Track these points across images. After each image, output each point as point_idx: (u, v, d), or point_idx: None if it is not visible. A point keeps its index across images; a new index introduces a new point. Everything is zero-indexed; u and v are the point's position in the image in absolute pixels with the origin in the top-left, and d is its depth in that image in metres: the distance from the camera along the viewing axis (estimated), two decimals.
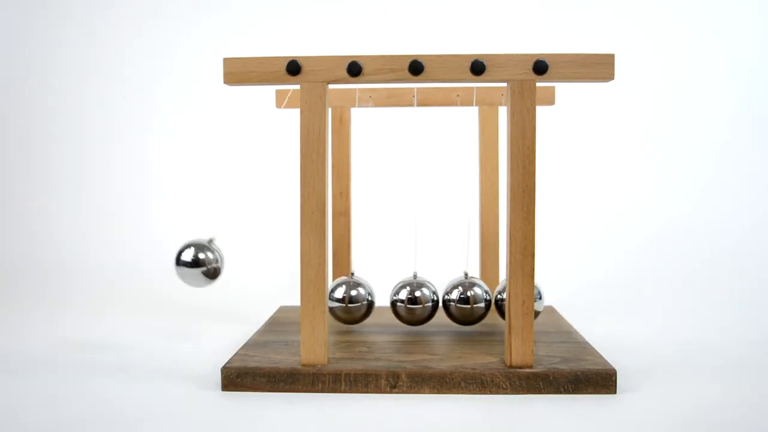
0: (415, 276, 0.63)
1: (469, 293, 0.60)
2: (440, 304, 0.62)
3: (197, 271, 0.59)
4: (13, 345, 0.65)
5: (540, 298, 0.61)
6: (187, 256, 0.59)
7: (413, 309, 0.61)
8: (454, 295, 0.61)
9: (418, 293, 0.61)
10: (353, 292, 0.61)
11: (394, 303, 0.62)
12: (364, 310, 0.61)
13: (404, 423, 0.46)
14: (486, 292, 0.61)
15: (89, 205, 1.08)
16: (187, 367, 0.57)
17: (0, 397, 0.51)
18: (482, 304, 0.60)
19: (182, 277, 0.59)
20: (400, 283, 0.62)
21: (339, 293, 0.61)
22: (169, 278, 0.94)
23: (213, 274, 0.59)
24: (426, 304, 0.61)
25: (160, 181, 1.09)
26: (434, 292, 0.61)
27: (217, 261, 0.60)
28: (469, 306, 0.60)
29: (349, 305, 0.61)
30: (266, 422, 0.46)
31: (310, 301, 0.51)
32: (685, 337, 0.67)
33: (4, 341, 0.67)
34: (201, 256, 0.59)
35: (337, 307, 0.61)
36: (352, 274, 0.63)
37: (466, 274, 0.62)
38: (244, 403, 0.49)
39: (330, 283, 0.67)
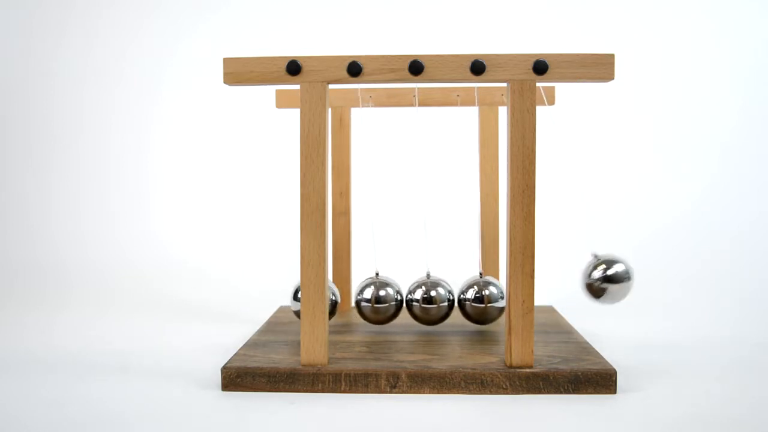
0: (428, 276, 0.62)
1: (484, 292, 0.61)
2: (455, 303, 0.62)
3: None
4: (13, 345, 0.65)
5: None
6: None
7: (428, 309, 0.61)
8: (470, 294, 0.61)
9: (433, 293, 0.61)
10: (381, 293, 0.61)
11: (409, 302, 0.62)
12: (393, 310, 0.61)
13: (404, 423, 0.46)
14: (501, 292, 0.61)
15: (89, 205, 1.08)
16: (187, 367, 0.57)
17: (0, 397, 0.50)
18: (498, 304, 0.61)
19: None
20: (414, 282, 0.62)
21: (367, 294, 0.61)
22: (169, 278, 0.94)
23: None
24: (441, 304, 0.61)
25: (160, 181, 1.09)
26: (450, 291, 0.61)
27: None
28: (483, 305, 0.61)
29: (377, 305, 0.61)
30: (266, 422, 0.46)
31: (310, 301, 0.51)
32: (685, 337, 0.67)
33: (4, 341, 0.67)
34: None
35: (365, 307, 0.61)
36: (377, 274, 0.63)
37: (481, 274, 0.63)
38: (244, 403, 0.49)
39: (357, 283, 0.67)
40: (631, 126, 1.05)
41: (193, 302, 0.84)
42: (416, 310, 0.61)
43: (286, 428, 0.45)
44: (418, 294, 0.61)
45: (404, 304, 0.62)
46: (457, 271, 0.71)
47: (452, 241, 0.93)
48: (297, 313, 0.63)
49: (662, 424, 0.45)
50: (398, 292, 0.62)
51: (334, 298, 0.62)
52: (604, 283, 0.55)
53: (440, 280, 0.62)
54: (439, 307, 0.61)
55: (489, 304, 0.61)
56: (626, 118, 1.06)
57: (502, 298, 0.61)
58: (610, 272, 0.55)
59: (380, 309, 0.61)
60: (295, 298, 0.62)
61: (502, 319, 0.65)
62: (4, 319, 0.77)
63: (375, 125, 0.88)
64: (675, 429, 0.44)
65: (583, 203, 1.04)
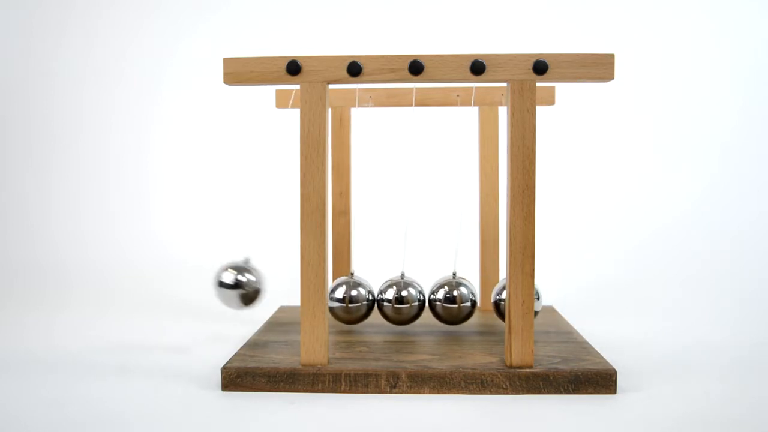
0: (402, 276, 0.63)
1: (455, 293, 0.61)
2: (426, 303, 0.62)
3: (236, 293, 0.58)
4: (13, 345, 0.65)
5: (538, 299, 0.60)
6: (228, 278, 0.58)
7: (400, 309, 0.61)
8: (440, 294, 0.61)
9: (404, 293, 0.61)
10: (353, 292, 0.61)
11: (380, 302, 0.62)
12: (364, 310, 0.61)
13: (404, 423, 0.46)
14: (472, 293, 0.61)
15: (89, 205, 1.08)
16: (187, 367, 0.57)
17: (0, 397, 0.50)
18: (468, 304, 0.61)
19: (223, 299, 0.59)
20: (386, 282, 0.62)
21: (339, 293, 0.61)
22: (169, 278, 0.94)
23: (253, 295, 0.59)
24: (412, 304, 0.61)
25: (161, 181, 1.09)
26: (420, 292, 0.62)
27: (257, 282, 0.59)
28: (456, 306, 0.60)
29: (350, 305, 0.61)
30: (266, 422, 0.46)
31: (310, 301, 0.51)
32: (685, 337, 0.67)
33: (4, 341, 0.67)
34: (241, 278, 0.58)
35: (337, 307, 0.61)
36: (352, 274, 0.63)
37: (454, 274, 0.62)
38: (244, 403, 0.49)
39: (330, 283, 0.67)
40: (631, 126, 1.05)
41: (193, 302, 0.84)
42: (387, 310, 0.61)
43: (286, 428, 0.45)
44: (390, 294, 0.61)
45: (375, 304, 0.62)
46: (457, 271, 0.71)
47: (452, 242, 0.93)
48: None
49: (662, 424, 0.45)
50: (370, 292, 0.62)
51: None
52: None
53: (413, 280, 0.62)
54: (410, 306, 0.61)
55: (462, 304, 0.61)
56: (626, 118, 1.05)
57: (473, 299, 0.61)
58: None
59: (352, 309, 0.61)
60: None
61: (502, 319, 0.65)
62: (4, 319, 0.77)
63: (375, 125, 0.88)
64: (675, 429, 0.44)
65: (583, 203, 1.03)
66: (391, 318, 0.62)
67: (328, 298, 0.61)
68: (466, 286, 0.61)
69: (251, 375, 0.51)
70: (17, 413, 0.47)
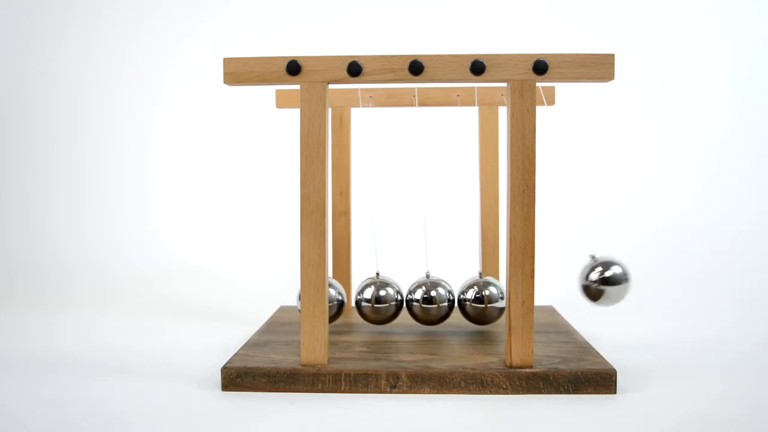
0: (428, 276, 0.62)
1: (484, 293, 0.61)
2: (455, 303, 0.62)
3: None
4: (13, 345, 0.65)
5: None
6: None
7: (428, 309, 0.61)
8: (470, 294, 0.61)
9: (433, 293, 0.61)
10: (381, 293, 0.61)
11: (409, 302, 0.61)
12: (393, 310, 0.61)
13: (404, 423, 0.46)
14: (501, 293, 0.62)
15: (89, 205, 1.08)
16: (187, 367, 0.57)
17: (0, 397, 0.51)
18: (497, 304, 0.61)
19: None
20: (415, 283, 0.62)
21: (368, 293, 0.61)
22: (169, 278, 0.94)
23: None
24: (441, 304, 0.61)
25: (160, 181, 1.09)
26: (450, 291, 0.61)
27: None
28: (483, 306, 0.61)
29: (377, 305, 0.61)
30: (266, 422, 0.46)
31: (310, 301, 0.51)
32: (685, 337, 0.67)
33: (4, 341, 0.67)
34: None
35: (365, 307, 0.61)
36: (378, 274, 0.63)
37: (480, 274, 0.63)
38: (244, 403, 0.49)
39: (357, 283, 0.66)
40: (631, 126, 1.05)
41: (193, 302, 0.84)
42: (416, 310, 0.61)
43: (286, 428, 0.45)
44: (419, 294, 0.61)
45: (404, 304, 0.62)
46: (457, 271, 0.71)
47: (452, 241, 0.93)
48: None
49: (662, 424, 0.45)
50: (398, 292, 0.62)
51: (341, 297, 0.61)
52: (601, 285, 0.55)
53: (440, 280, 0.62)
54: (439, 307, 0.61)
55: (489, 305, 0.61)
56: (626, 118, 1.06)
57: (502, 298, 0.61)
58: (607, 274, 0.55)
59: (380, 309, 0.61)
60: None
61: (502, 319, 0.65)
62: (4, 319, 0.77)
63: (375, 125, 0.88)
64: (675, 429, 0.44)
65: (583, 203, 1.04)
66: (420, 318, 0.61)
67: (355, 298, 0.61)
68: (495, 285, 0.62)
69: (251, 375, 0.51)
70: (17, 413, 0.47)
